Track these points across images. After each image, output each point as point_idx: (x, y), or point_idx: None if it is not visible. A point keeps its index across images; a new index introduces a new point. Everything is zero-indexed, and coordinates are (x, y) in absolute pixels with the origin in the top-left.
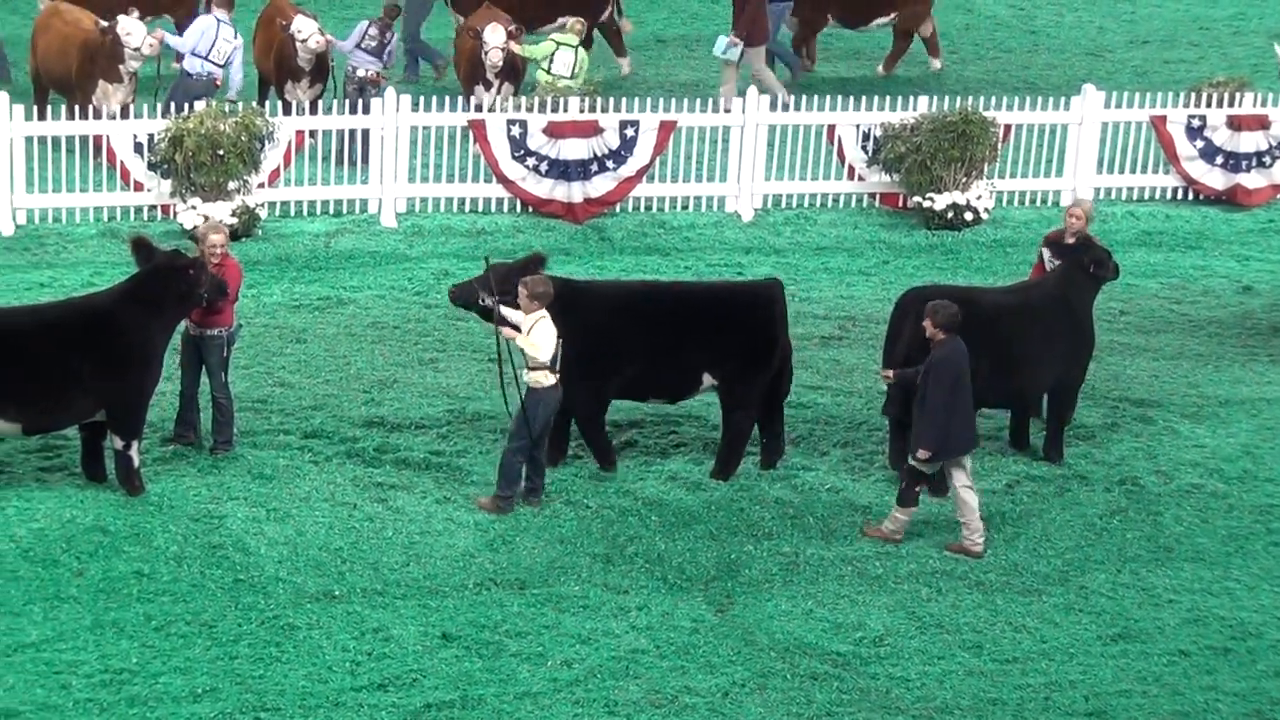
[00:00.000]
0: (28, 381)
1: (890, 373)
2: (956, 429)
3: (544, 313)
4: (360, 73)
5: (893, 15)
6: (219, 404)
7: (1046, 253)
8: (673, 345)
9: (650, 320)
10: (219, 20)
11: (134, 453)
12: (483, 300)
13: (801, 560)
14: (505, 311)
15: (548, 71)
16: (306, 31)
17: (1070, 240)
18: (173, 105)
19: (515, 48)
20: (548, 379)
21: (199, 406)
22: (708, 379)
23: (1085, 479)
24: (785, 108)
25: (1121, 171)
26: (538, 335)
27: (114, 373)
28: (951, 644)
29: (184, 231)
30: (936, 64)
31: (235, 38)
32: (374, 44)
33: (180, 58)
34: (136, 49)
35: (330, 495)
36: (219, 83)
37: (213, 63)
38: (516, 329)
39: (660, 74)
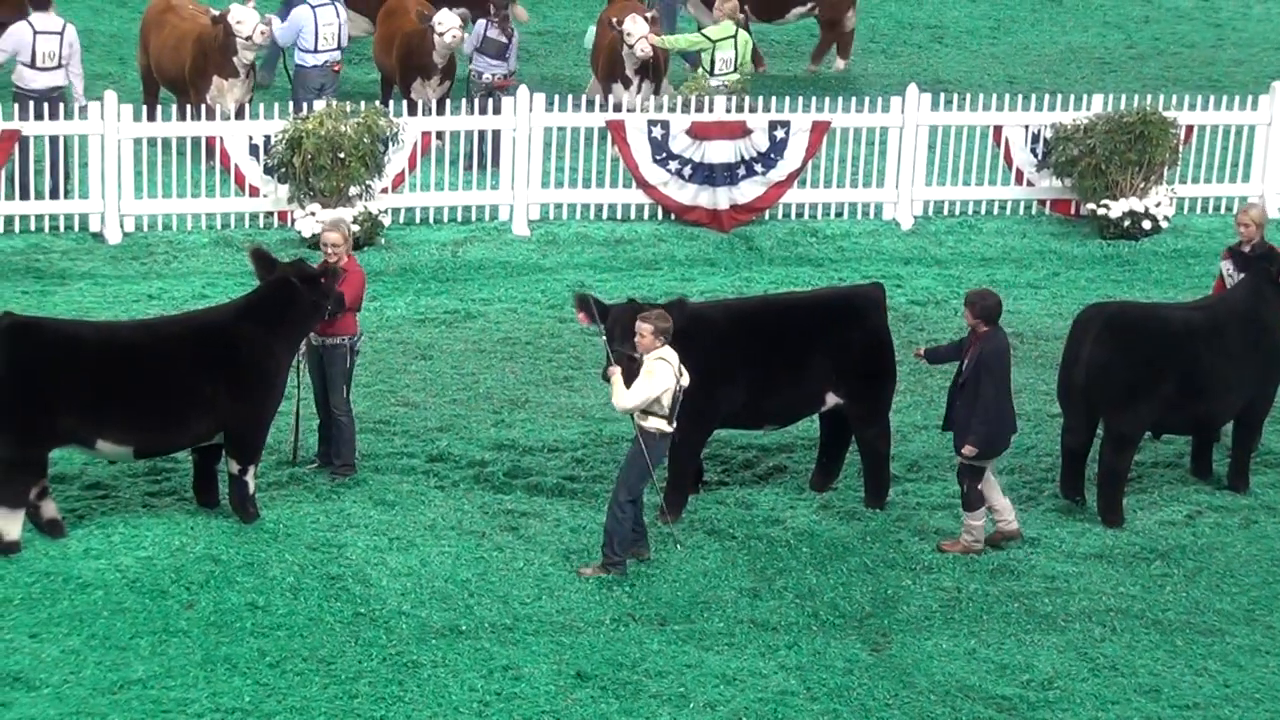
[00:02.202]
0: (140, 402)
1: (922, 349)
2: (1003, 426)
3: (663, 353)
4: (486, 77)
5: (811, 6)
6: (339, 421)
7: (1227, 266)
8: (788, 365)
9: (760, 339)
10: (313, 6)
11: (250, 478)
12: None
13: (964, 596)
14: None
15: (709, 72)
16: (447, 25)
17: (1248, 250)
18: (291, 104)
19: (655, 39)
20: (655, 423)
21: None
22: (832, 398)
23: (1273, 510)
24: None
25: None
26: (644, 379)
27: (233, 393)
28: (1127, 688)
29: (302, 240)
30: (841, 64)
31: (339, 15)
32: (496, 46)
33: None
34: (248, 38)
35: (457, 523)
36: (338, 68)
37: (324, 51)
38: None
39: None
